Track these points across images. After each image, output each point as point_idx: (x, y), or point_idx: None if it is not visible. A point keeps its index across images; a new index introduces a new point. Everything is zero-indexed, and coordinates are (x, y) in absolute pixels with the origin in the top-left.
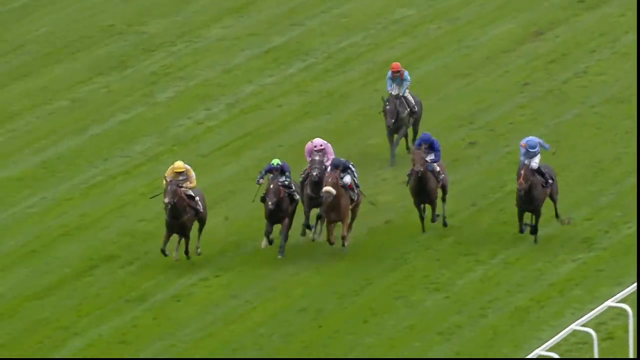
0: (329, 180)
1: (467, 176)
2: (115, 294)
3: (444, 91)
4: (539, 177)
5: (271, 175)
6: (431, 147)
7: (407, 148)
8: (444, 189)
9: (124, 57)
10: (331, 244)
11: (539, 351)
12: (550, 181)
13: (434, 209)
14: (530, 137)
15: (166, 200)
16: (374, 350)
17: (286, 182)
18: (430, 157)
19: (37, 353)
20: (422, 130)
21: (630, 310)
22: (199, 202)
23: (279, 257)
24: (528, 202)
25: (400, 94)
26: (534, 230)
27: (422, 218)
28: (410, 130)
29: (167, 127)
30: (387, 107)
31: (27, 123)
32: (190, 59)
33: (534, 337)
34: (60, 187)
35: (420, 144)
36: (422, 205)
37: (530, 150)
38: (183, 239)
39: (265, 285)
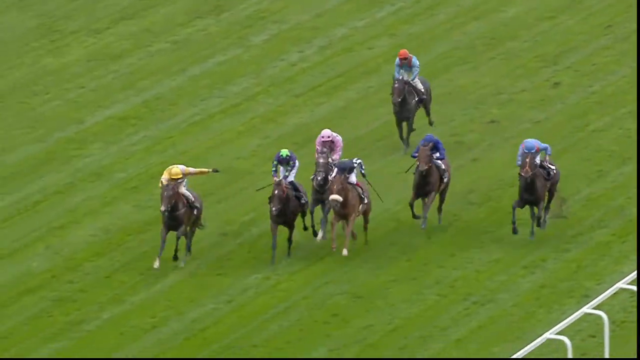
0: (334, 187)
1: (552, 115)
2: (212, 229)
3: (529, 33)
4: (541, 171)
5: (275, 171)
6: (435, 147)
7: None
8: (444, 189)
9: (221, 2)
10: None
11: (620, 284)
12: (552, 172)
13: (430, 201)
14: (529, 139)
15: (163, 208)
16: (460, 282)
17: (288, 175)
18: (435, 155)
19: (138, 286)
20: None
21: None
22: (196, 203)
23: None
24: (530, 192)
25: (410, 80)
26: (538, 222)
27: (413, 211)
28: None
29: (262, 69)
30: (396, 85)
31: (130, 64)
32: (283, 3)
33: (615, 270)
34: (161, 125)
35: (424, 144)
36: (415, 202)
37: (527, 152)
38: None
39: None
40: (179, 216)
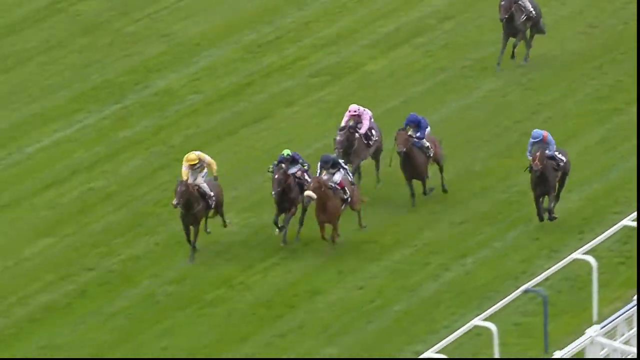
0: (311, 185)
1: None
2: None
3: None
4: (551, 162)
5: (280, 165)
6: (418, 126)
7: (525, 59)
8: (439, 163)
9: None
10: (323, 238)
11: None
12: (562, 163)
13: (424, 184)
14: (537, 130)
15: (175, 202)
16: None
17: (297, 174)
18: (416, 136)
19: None
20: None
21: None
22: (212, 197)
23: (281, 244)
24: (541, 184)
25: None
26: (550, 214)
27: (412, 194)
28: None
29: None
30: (502, 3)
31: None
32: None
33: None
34: None
35: (406, 126)
36: (412, 181)
37: (533, 140)
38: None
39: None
40: (196, 214)
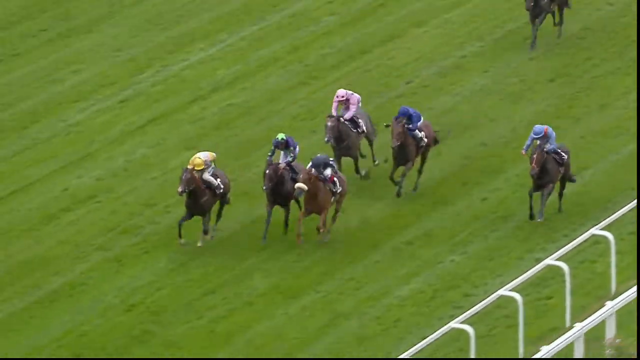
0: (301, 177)
1: None
2: None
3: None
4: (554, 156)
5: (272, 155)
6: (410, 119)
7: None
8: (424, 156)
9: None
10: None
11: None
12: (564, 157)
13: (407, 169)
14: (538, 125)
15: (180, 189)
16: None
17: (289, 159)
18: (408, 127)
19: None
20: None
21: None
22: (220, 185)
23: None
24: (541, 177)
25: None
26: (540, 213)
27: (393, 179)
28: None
29: None
30: None
31: None
32: None
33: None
34: None
35: (398, 118)
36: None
37: (535, 136)
38: (204, 219)
39: None
40: (203, 204)
